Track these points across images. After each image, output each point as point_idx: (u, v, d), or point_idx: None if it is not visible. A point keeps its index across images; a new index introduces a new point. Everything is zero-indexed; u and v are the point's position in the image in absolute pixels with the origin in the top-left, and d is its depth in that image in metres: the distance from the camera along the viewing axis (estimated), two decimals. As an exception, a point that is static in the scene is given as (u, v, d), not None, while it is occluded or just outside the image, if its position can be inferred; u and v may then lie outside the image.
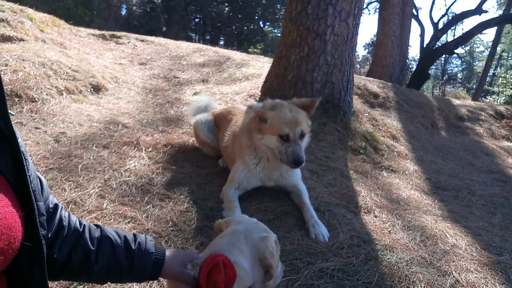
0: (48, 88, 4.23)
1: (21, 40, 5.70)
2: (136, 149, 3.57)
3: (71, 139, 3.49)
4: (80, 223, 1.41)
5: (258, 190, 3.08)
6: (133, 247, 1.42)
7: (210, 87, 5.98)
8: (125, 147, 3.57)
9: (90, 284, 1.91)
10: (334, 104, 5.21)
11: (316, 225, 2.64)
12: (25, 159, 1.15)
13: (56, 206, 1.33)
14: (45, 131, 3.54)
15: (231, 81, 6.49)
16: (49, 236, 1.26)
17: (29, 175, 1.15)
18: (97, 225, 1.45)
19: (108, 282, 1.52)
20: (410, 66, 22.45)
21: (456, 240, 2.88)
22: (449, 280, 2.33)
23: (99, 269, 1.36)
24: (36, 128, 3.57)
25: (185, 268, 1.46)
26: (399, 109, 7.43)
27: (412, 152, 5.53)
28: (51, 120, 3.79)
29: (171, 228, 2.55)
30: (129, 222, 2.59)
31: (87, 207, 2.65)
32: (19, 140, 1.15)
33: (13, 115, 3.58)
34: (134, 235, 1.48)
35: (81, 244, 1.35)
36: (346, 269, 2.30)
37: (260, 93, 5.51)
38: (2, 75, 4.01)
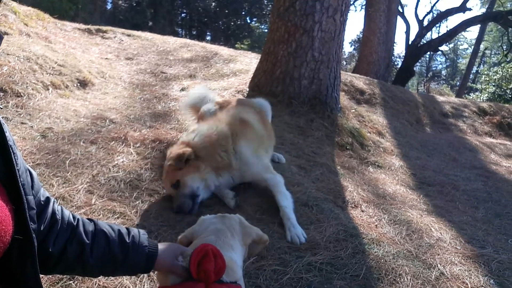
0: (33, 83, 4.17)
1: (5, 33, 5.60)
2: (124, 144, 3.55)
3: (58, 135, 3.46)
4: (74, 217, 1.41)
5: (248, 185, 3.10)
6: (127, 241, 1.43)
7: (198, 82, 5.97)
8: (113, 142, 3.55)
9: (81, 279, 1.91)
10: (321, 100, 5.26)
11: (292, 228, 2.60)
12: (14, 153, 1.14)
13: (48, 199, 1.32)
14: (31, 126, 3.50)
15: (219, 77, 6.48)
16: (42, 229, 1.26)
17: (18, 169, 1.14)
18: (90, 219, 1.46)
19: (101, 276, 1.53)
20: (396, 63, 22.67)
21: (441, 234, 2.95)
22: (434, 273, 2.38)
23: (94, 262, 1.36)
24: (22, 123, 3.52)
25: (177, 260, 1.49)
26: (385, 105, 7.53)
27: (397, 148, 5.62)
28: (37, 115, 3.74)
29: (161, 223, 2.56)
30: (118, 218, 2.59)
31: (75, 203, 2.64)
32: (7, 134, 1.14)
33: (1, 108, 3.53)
34: (127, 228, 1.49)
35: (76, 237, 1.35)
36: (334, 263, 2.34)
37: (248, 89, 5.52)
38: (-14, 69, 3.95)
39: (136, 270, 1.47)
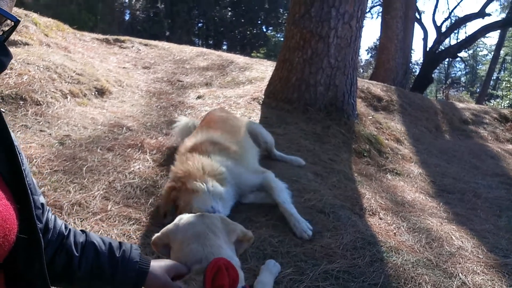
0: (52, 91, 4.24)
1: (26, 44, 5.73)
2: (140, 151, 3.57)
3: (75, 142, 3.50)
4: (66, 227, 1.39)
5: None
6: (117, 255, 1.39)
7: (214, 90, 5.99)
8: (129, 149, 3.58)
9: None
10: (338, 107, 5.21)
11: (297, 224, 2.59)
12: (19, 153, 1.15)
13: (43, 206, 1.32)
14: (50, 134, 3.55)
15: (235, 85, 6.50)
16: None
17: (24, 169, 1.14)
18: (82, 231, 1.43)
19: None
20: (413, 70, 22.45)
21: (462, 242, 2.87)
22: (455, 282, 2.31)
23: (82, 275, 1.33)
24: (41, 131, 3.58)
25: (173, 281, 1.46)
26: (402, 112, 7.43)
27: (416, 155, 5.52)
28: (55, 123, 3.80)
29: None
30: (133, 224, 2.59)
31: (91, 209, 2.65)
32: (12, 134, 1.14)
33: (4, 112, 3.59)
34: (120, 243, 1.46)
35: (65, 249, 1.32)
36: (351, 271, 2.29)
37: (263, 96, 5.51)
38: (7, 78, 4.03)
39: (125, 286, 1.42)
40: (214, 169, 2.73)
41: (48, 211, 1.36)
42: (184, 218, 1.74)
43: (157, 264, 1.49)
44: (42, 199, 1.33)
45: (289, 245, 2.47)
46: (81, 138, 3.61)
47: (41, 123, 3.73)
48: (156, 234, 1.69)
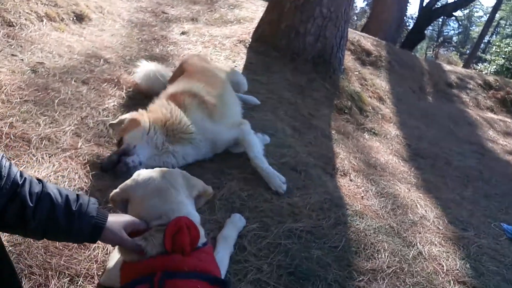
0: (27, 13, 3.99)
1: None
2: (116, 87, 3.46)
3: (49, 71, 3.34)
4: (21, 175, 1.35)
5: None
6: (74, 208, 1.38)
7: (200, 27, 5.75)
8: (105, 84, 3.45)
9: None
10: (325, 60, 5.10)
11: (271, 179, 2.61)
12: None
13: None
14: (22, 59, 3.37)
15: (222, 23, 6.24)
16: None
17: None
18: (39, 180, 1.40)
19: (45, 239, 1.50)
20: (407, 24, 22.01)
21: (426, 211, 2.95)
22: (412, 251, 2.40)
23: (35, 226, 1.32)
24: (13, 55, 3.40)
25: (130, 237, 1.47)
26: (390, 69, 7.34)
27: (396, 115, 5.54)
28: (29, 47, 3.60)
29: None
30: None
31: (61, 145, 2.59)
32: None
33: None
34: (78, 195, 1.44)
35: (18, 198, 1.29)
36: (314, 231, 2.34)
37: (250, 40, 5.33)
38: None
39: (80, 239, 1.44)
40: (181, 126, 2.66)
41: (1, 158, 1.31)
42: (142, 173, 1.71)
43: (114, 220, 1.49)
44: None
45: (257, 200, 2.49)
46: (55, 67, 3.45)
47: (13, 46, 3.53)
48: (115, 190, 1.67)
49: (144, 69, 3.55)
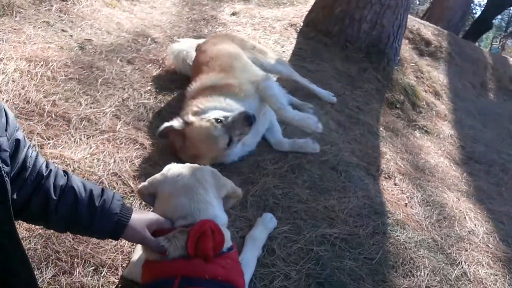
0: (80, -13, 4.02)
1: None
2: (160, 69, 3.42)
3: (96, 48, 3.35)
4: (47, 167, 1.33)
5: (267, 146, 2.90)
6: (97, 204, 1.35)
7: (251, 8, 5.59)
8: (150, 65, 3.42)
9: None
10: (380, 49, 4.81)
11: (305, 122, 2.62)
12: None
13: (18, 143, 1.23)
14: (71, 36, 3.40)
15: (275, 4, 6.04)
16: (11, 174, 1.19)
17: None
18: (65, 172, 1.38)
19: (67, 232, 1.50)
20: (474, 12, 20.61)
21: (475, 225, 2.73)
22: (455, 271, 2.22)
23: (58, 219, 1.31)
24: (63, 30, 3.43)
25: (154, 237, 1.43)
26: (449, 61, 6.87)
27: (452, 113, 5.18)
28: (79, 23, 3.63)
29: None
30: (138, 149, 2.52)
31: (100, 126, 2.59)
32: None
33: None
34: (103, 190, 1.42)
35: (42, 190, 1.28)
36: (350, 240, 2.21)
37: (302, 24, 5.12)
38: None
39: (102, 235, 1.43)
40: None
41: (27, 148, 1.29)
42: (173, 168, 1.66)
43: (138, 217, 1.45)
44: (19, 135, 1.24)
45: (292, 199, 2.38)
46: (102, 44, 3.46)
47: (64, 21, 3.57)
48: (143, 183, 1.63)
49: (175, 48, 3.45)
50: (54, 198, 1.29)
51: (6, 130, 1.15)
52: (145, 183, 1.65)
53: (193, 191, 1.57)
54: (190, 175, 1.62)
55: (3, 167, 1.06)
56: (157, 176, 1.65)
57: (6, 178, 1.07)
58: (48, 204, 1.29)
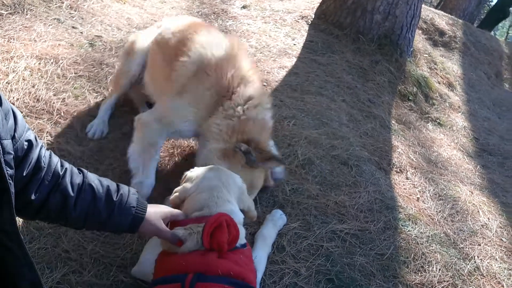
0: (90, -17, 4.02)
1: None
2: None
3: (105, 45, 3.36)
4: (62, 165, 1.34)
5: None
6: (114, 199, 1.38)
7: (262, 0, 5.53)
8: (160, 60, 3.42)
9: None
10: (392, 41, 4.74)
11: None
12: None
13: (31, 143, 1.23)
14: (81, 32, 3.42)
15: (286, -4, 5.99)
16: (24, 175, 1.20)
17: None
18: (80, 170, 1.39)
19: (85, 229, 1.51)
20: (489, 0, 20.15)
21: (488, 219, 2.68)
22: (468, 266, 2.18)
23: (77, 216, 1.33)
24: (73, 27, 3.45)
25: (169, 229, 1.45)
26: (464, 52, 6.75)
27: (466, 104, 5.10)
28: (89, 20, 3.64)
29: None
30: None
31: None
32: None
33: None
34: (118, 185, 1.43)
35: (60, 189, 1.29)
36: (360, 235, 2.19)
37: (313, 16, 5.07)
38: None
39: (120, 230, 1.44)
40: None
41: (40, 147, 1.29)
42: (199, 170, 1.70)
43: (153, 210, 1.48)
44: (29, 135, 1.25)
45: (302, 195, 2.36)
46: (112, 40, 3.47)
47: (74, 18, 3.58)
48: (174, 194, 1.64)
49: None
50: (72, 195, 1.31)
51: (15, 131, 1.16)
52: (177, 193, 1.66)
53: (215, 189, 1.59)
54: (216, 179, 1.65)
55: (7, 170, 1.07)
56: (186, 184, 1.67)
57: (10, 181, 1.08)
58: (67, 203, 1.31)
